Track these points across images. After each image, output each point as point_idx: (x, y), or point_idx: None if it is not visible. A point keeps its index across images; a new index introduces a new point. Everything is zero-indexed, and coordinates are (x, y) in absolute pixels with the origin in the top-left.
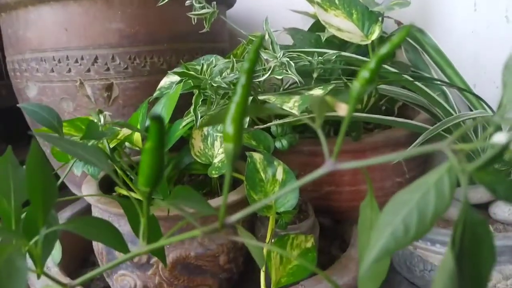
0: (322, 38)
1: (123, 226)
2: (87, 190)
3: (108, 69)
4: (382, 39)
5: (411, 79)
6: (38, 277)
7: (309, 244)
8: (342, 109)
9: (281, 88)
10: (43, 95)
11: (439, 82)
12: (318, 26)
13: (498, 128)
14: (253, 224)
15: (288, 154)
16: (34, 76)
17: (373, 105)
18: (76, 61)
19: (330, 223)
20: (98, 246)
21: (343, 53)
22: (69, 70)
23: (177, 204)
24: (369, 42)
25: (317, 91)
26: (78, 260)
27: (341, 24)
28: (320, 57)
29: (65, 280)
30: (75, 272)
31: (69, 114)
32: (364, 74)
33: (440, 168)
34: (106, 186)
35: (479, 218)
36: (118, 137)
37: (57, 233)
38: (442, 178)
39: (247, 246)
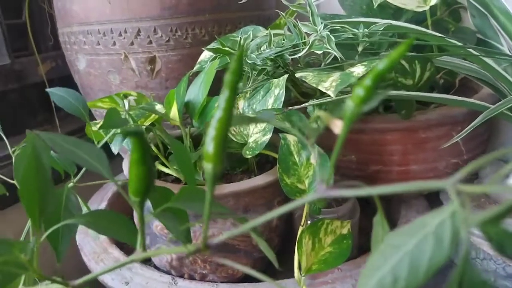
0: (374, 4)
1: None
2: (126, 166)
3: (150, 42)
4: (446, 1)
5: (474, 52)
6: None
7: (344, 230)
8: (337, 127)
9: (323, 64)
10: (91, 68)
11: (507, 57)
12: None
13: None
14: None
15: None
16: (82, 48)
17: (429, 79)
18: (120, 34)
19: (379, 202)
20: (136, 219)
21: (394, 23)
22: (114, 43)
23: (183, 206)
24: (427, 7)
25: (359, 68)
26: None
27: None
28: (366, 29)
29: (111, 248)
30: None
31: (116, 86)
32: (359, 92)
33: (443, 210)
34: None
35: (480, 279)
36: (150, 118)
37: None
38: (443, 224)
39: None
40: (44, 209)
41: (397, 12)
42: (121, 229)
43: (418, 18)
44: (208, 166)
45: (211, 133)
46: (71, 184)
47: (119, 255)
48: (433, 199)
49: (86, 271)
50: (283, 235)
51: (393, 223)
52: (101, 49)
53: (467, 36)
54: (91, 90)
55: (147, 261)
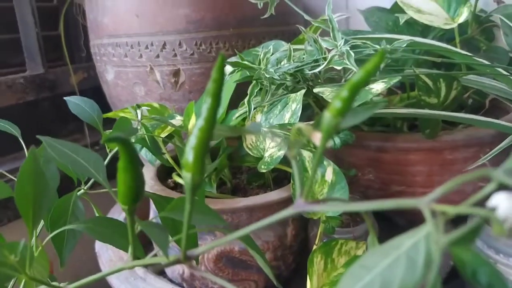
0: (400, 20)
1: None
2: (145, 176)
3: (175, 55)
4: (478, 19)
5: (503, 71)
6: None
7: (360, 252)
8: (317, 138)
9: (343, 79)
10: (119, 79)
11: None
12: (400, 6)
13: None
14: (305, 221)
15: (354, 148)
16: (111, 60)
17: (455, 99)
18: (147, 47)
19: (405, 223)
20: None
21: (417, 39)
22: (140, 56)
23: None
24: (454, 25)
25: (379, 85)
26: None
27: (422, 5)
28: (388, 45)
29: None
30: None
31: (141, 98)
32: (336, 104)
33: (418, 231)
34: (165, 173)
35: None
36: (167, 129)
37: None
38: (416, 246)
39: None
40: (39, 212)
41: (426, 30)
42: (121, 237)
43: (448, 36)
44: (187, 175)
45: (192, 141)
46: (81, 191)
47: None
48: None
49: (103, 280)
50: (299, 254)
51: None
52: (128, 61)
53: (499, 56)
54: (118, 100)
55: (162, 273)
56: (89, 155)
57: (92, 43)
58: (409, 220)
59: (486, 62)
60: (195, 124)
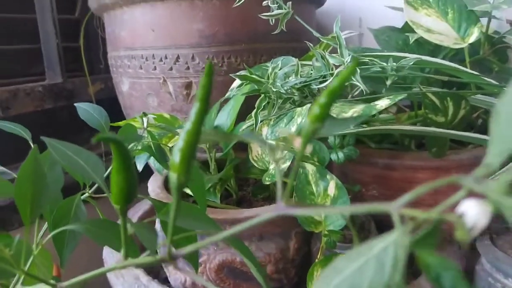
0: (410, 39)
1: None
2: (152, 185)
3: (188, 68)
4: (491, 40)
5: None
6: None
7: None
8: (298, 143)
9: (350, 96)
10: (133, 90)
11: None
12: (410, 26)
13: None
14: (308, 235)
15: (360, 165)
16: (126, 72)
17: (463, 118)
18: (161, 60)
19: None
20: (159, 237)
21: (424, 58)
22: (155, 68)
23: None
24: (464, 45)
25: (384, 101)
26: None
27: (432, 25)
28: (394, 62)
29: None
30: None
31: (154, 109)
32: (315, 110)
33: (389, 235)
34: None
35: None
36: (174, 139)
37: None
38: (386, 250)
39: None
40: (36, 209)
41: (436, 49)
42: (117, 239)
43: (461, 57)
44: (173, 176)
45: (179, 144)
46: (86, 195)
47: (139, 273)
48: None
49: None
50: (302, 268)
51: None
52: (142, 73)
53: (510, 77)
54: (131, 110)
55: (165, 281)
56: (89, 157)
57: (110, 55)
58: None
59: (494, 82)
60: (184, 127)
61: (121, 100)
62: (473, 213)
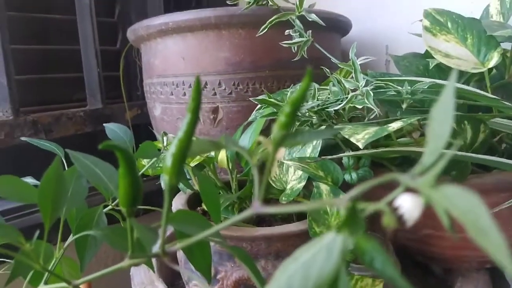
0: (430, 64)
1: None
2: (176, 203)
3: (215, 93)
4: None
5: None
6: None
7: None
8: (281, 154)
9: (366, 118)
10: (165, 115)
11: None
12: None
13: None
14: None
15: (377, 188)
16: (159, 97)
17: (484, 142)
18: (190, 86)
19: (441, 272)
20: (179, 254)
21: (438, 82)
22: (184, 94)
23: (176, 226)
24: (484, 69)
25: (397, 124)
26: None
27: (451, 50)
28: (410, 87)
29: (158, 281)
30: None
31: None
32: (281, 119)
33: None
34: (197, 201)
35: None
36: (196, 158)
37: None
38: (334, 239)
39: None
40: (56, 209)
41: (460, 74)
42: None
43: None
44: (165, 178)
45: (171, 149)
46: (109, 207)
47: None
48: (498, 275)
49: None
50: None
51: None
52: (173, 99)
53: None
54: None
55: None
56: (106, 168)
57: (145, 82)
58: (445, 268)
59: (510, 105)
60: (177, 135)
61: (154, 124)
62: (407, 205)
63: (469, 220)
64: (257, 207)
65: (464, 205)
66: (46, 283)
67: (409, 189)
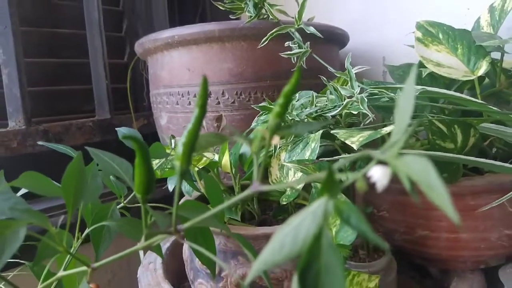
0: (423, 73)
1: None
2: None
3: (218, 102)
4: (507, 73)
5: None
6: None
7: (371, 285)
8: (276, 140)
9: (362, 124)
10: (171, 123)
11: None
12: None
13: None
14: None
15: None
16: (165, 107)
17: (475, 146)
18: (195, 96)
19: (438, 273)
20: (185, 254)
21: (429, 89)
22: (189, 103)
23: (183, 214)
24: (474, 77)
25: (390, 127)
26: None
27: (442, 60)
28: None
29: (164, 283)
30: None
31: None
32: (276, 109)
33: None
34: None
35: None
36: (202, 161)
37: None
38: (319, 206)
39: None
40: (78, 197)
41: (451, 83)
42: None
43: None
44: (177, 164)
45: (182, 139)
46: (121, 205)
47: None
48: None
49: None
50: None
51: None
52: (179, 108)
53: None
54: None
55: None
56: (122, 163)
57: (151, 93)
58: (441, 269)
59: (498, 110)
60: (186, 127)
61: (160, 133)
62: (377, 174)
63: (422, 179)
64: (256, 186)
65: (418, 167)
66: (65, 269)
67: (381, 162)
